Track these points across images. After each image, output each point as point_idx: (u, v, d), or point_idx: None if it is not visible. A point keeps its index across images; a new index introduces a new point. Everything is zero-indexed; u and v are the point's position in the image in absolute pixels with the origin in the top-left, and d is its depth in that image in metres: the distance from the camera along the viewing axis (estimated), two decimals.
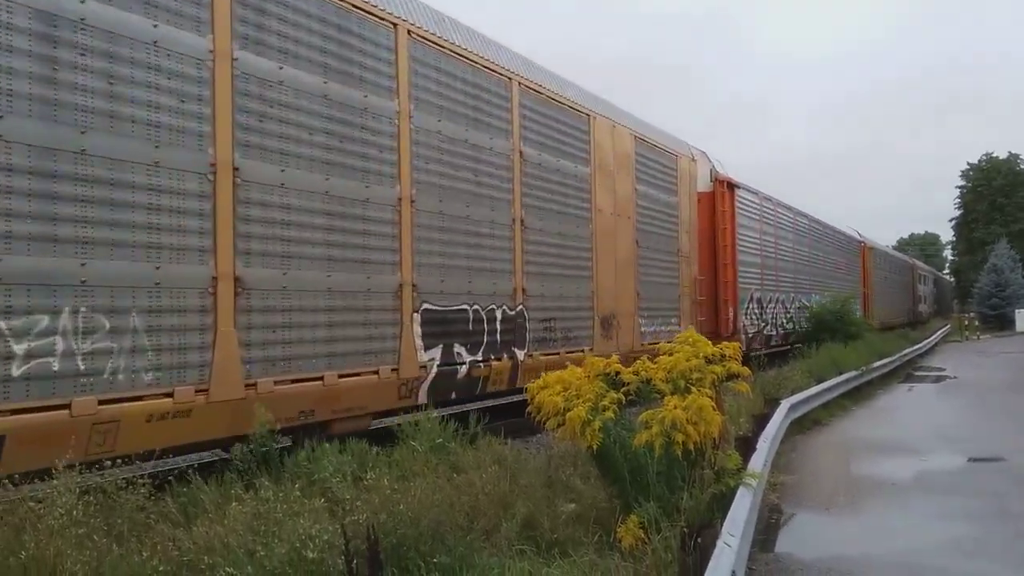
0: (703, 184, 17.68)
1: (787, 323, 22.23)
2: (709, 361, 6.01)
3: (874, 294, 34.62)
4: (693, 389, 5.55)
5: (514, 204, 10.68)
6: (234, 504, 5.18)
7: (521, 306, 10.72)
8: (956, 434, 11.37)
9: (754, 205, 20.13)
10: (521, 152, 10.92)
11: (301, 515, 4.88)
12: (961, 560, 5.86)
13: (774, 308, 21.14)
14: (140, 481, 5.25)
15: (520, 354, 10.64)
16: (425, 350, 8.96)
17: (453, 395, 9.62)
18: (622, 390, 5.85)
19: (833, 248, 29.53)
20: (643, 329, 13.98)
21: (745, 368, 6.35)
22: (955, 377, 20.48)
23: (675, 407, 5.26)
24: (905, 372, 21.58)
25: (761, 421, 8.79)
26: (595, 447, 5.53)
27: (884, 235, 58.04)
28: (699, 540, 4.09)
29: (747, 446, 7.00)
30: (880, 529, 6.65)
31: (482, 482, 6.15)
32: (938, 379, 20.28)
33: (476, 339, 9.88)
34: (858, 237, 34.92)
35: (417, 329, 8.86)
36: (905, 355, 23.35)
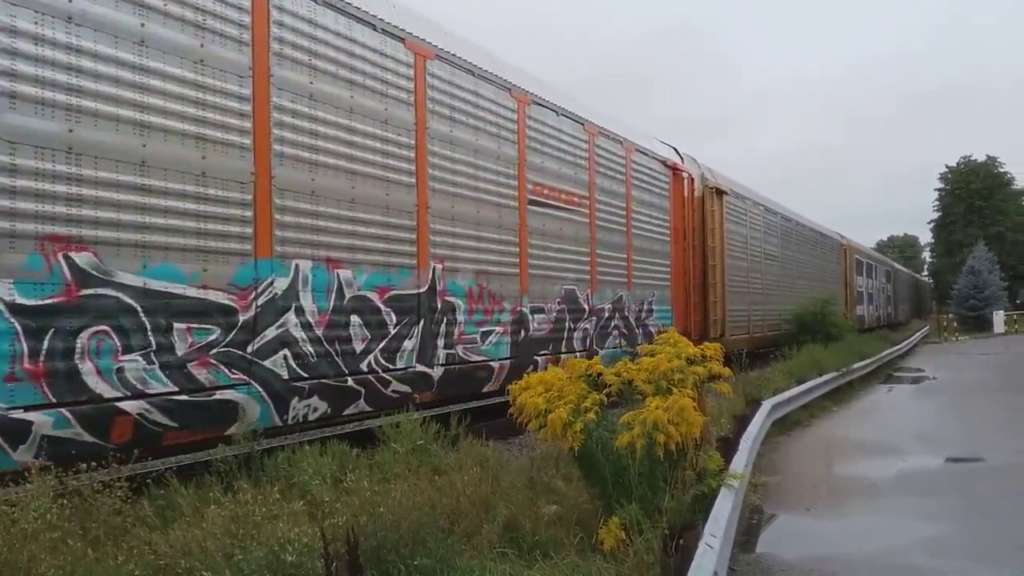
0: None
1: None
2: (691, 362, 6.02)
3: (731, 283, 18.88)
4: (675, 390, 5.54)
5: None
6: (212, 507, 5.12)
7: None
8: (935, 434, 11.46)
9: None
10: None
11: (280, 518, 4.84)
12: (940, 559, 5.90)
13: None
14: (117, 484, 5.19)
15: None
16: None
17: None
18: (604, 392, 5.85)
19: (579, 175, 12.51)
20: None
21: (727, 369, 6.36)
22: (934, 378, 20.64)
23: (657, 408, 5.25)
24: (885, 373, 21.72)
25: (743, 422, 8.81)
26: (577, 448, 5.52)
27: (864, 237, 58.34)
28: (681, 541, 4.09)
29: (729, 447, 7.02)
30: (861, 529, 6.68)
31: (463, 484, 6.11)
32: (917, 380, 20.45)
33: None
34: (699, 169, 17.86)
35: None
36: (884, 356, 23.51)
